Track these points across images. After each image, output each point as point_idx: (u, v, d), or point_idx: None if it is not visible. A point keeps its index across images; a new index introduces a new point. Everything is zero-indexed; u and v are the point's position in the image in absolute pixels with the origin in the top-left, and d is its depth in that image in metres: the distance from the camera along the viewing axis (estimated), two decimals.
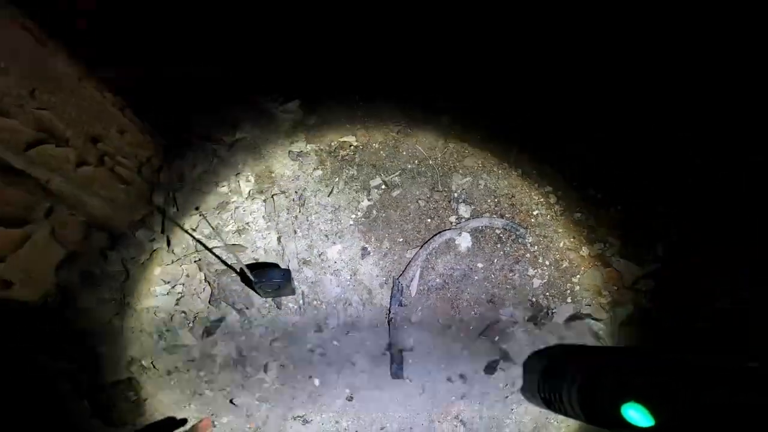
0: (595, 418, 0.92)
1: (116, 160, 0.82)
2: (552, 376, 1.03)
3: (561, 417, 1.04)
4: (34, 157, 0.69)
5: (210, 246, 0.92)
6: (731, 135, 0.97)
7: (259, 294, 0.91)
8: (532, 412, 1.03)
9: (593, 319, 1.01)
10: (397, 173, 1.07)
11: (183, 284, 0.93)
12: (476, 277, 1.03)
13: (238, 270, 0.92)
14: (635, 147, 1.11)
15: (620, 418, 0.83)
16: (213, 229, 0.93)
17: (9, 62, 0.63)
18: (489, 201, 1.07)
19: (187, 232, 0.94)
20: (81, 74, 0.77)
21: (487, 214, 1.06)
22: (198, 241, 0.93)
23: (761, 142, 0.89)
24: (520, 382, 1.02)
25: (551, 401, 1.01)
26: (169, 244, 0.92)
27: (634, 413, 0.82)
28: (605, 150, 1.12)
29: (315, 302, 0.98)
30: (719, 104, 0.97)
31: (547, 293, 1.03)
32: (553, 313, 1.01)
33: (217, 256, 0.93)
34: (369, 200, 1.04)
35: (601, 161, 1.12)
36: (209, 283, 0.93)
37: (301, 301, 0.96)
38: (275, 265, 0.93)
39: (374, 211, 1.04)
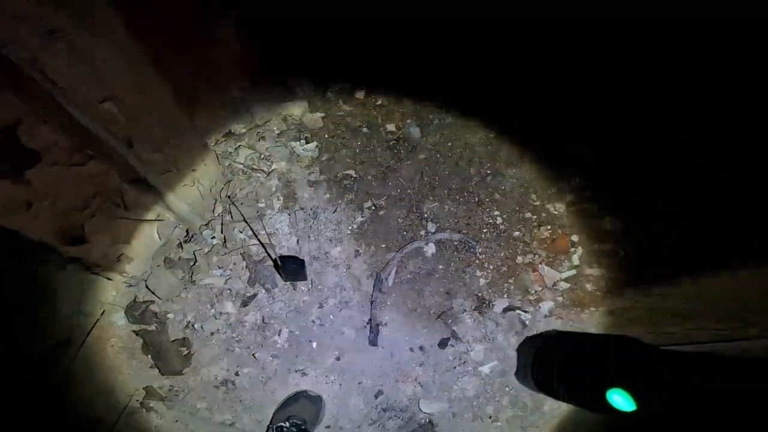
0: (582, 402, 1.01)
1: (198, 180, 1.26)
2: (543, 362, 1.13)
3: (497, 387, 1.36)
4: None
5: (253, 243, 1.35)
6: (731, 135, 0.94)
7: (281, 278, 1.32)
8: (474, 382, 1.35)
9: (522, 311, 1.35)
10: (384, 198, 1.48)
11: (230, 269, 1.35)
12: (437, 275, 1.40)
13: (272, 260, 1.33)
14: (626, 152, 1.19)
15: (605, 402, 0.89)
16: (253, 231, 1.35)
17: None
18: (450, 220, 1.46)
19: (247, 230, 1.37)
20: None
21: (449, 231, 1.44)
22: (256, 236, 1.36)
23: (761, 142, 0.88)
24: (465, 357, 1.36)
25: (542, 384, 1.12)
26: (224, 241, 1.35)
27: (618, 398, 0.87)
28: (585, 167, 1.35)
29: (319, 287, 1.37)
30: (719, 104, 0.95)
31: (489, 290, 1.38)
32: (493, 304, 1.36)
33: (264, 248, 1.35)
34: (362, 217, 1.45)
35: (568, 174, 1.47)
36: (248, 269, 1.34)
37: (309, 285, 1.36)
38: (294, 258, 1.34)
39: (365, 225, 1.45)
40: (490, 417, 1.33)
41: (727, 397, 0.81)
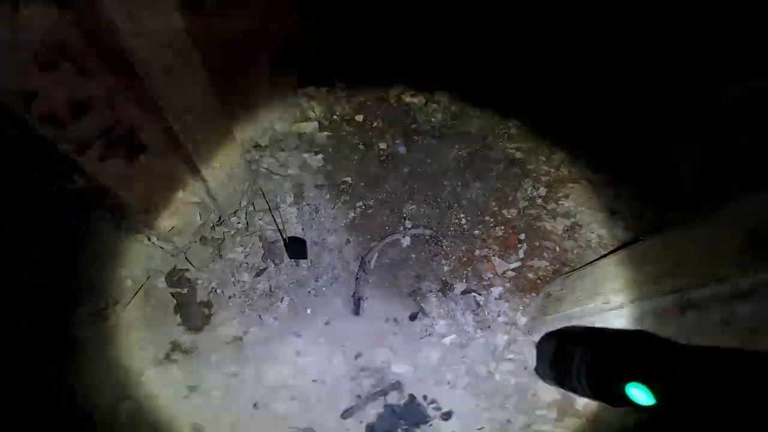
0: (601, 397, 1.01)
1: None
2: (562, 359, 1.16)
3: (456, 357, 1.63)
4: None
5: (269, 228, 1.74)
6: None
7: (288, 255, 1.69)
8: (436, 351, 1.64)
9: (476, 293, 1.67)
10: (372, 200, 1.86)
11: (249, 248, 1.74)
12: (410, 262, 1.74)
13: (283, 240, 1.71)
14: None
15: (625, 396, 0.89)
16: (273, 218, 1.75)
17: None
18: (424, 220, 1.82)
19: (272, 217, 1.76)
20: None
21: (422, 227, 1.80)
22: (274, 220, 1.75)
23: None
24: (431, 329, 1.66)
25: (562, 380, 1.15)
26: (247, 226, 1.75)
27: (637, 392, 0.87)
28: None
29: (316, 265, 1.73)
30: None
31: (452, 275, 1.71)
32: (454, 287, 1.68)
33: (279, 231, 1.74)
34: (354, 214, 1.83)
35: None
36: (263, 248, 1.73)
37: (309, 264, 1.73)
38: (299, 240, 1.71)
39: (356, 220, 1.82)
40: (449, 383, 1.61)
41: (746, 391, 0.77)
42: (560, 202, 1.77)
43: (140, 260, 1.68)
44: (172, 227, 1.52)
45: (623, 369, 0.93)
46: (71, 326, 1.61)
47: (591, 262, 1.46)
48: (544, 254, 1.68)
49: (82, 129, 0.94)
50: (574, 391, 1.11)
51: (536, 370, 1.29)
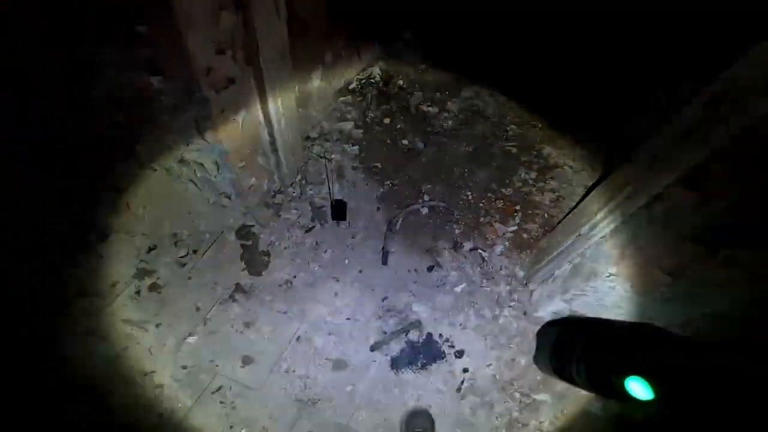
0: (601, 390, 1.01)
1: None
2: (562, 349, 1.16)
3: (465, 302, 1.97)
4: None
5: (318, 195, 2.22)
6: None
7: (332, 216, 2.14)
8: (449, 297, 1.99)
9: (481, 250, 2.06)
10: (397, 180, 2.34)
11: (302, 211, 2.20)
12: (428, 226, 2.16)
13: (331, 203, 2.17)
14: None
15: (624, 390, 0.87)
16: (329, 185, 2.23)
17: None
18: (439, 196, 2.27)
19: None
20: None
21: (437, 200, 2.25)
22: (330, 187, 2.23)
23: None
24: (445, 279, 2.03)
25: (562, 372, 1.15)
26: (300, 194, 2.23)
27: (636, 386, 0.85)
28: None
29: (353, 226, 2.17)
30: None
31: (461, 236, 2.12)
32: (463, 245, 2.08)
33: (329, 195, 2.21)
34: (383, 189, 2.30)
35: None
36: (312, 211, 2.19)
37: (347, 224, 2.17)
38: (342, 203, 2.18)
39: (385, 195, 2.28)
40: (461, 324, 1.95)
41: (750, 388, 0.75)
42: (548, 182, 2.22)
43: (218, 218, 2.16)
44: (251, 186, 2.00)
45: (623, 362, 0.90)
46: (156, 271, 2.04)
47: (565, 216, 1.87)
48: (536, 220, 2.09)
49: (228, 94, 1.48)
50: (572, 382, 1.09)
51: (535, 359, 1.25)
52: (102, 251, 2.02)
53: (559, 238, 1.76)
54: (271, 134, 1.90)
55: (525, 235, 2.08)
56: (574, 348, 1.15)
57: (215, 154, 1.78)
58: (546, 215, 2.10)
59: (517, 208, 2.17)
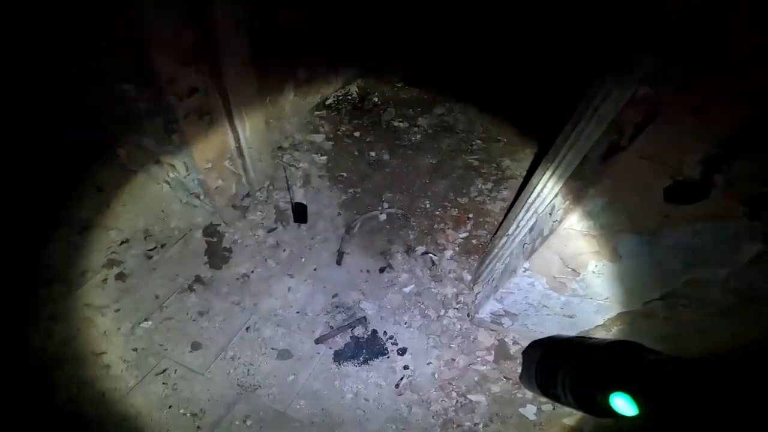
0: (587, 407, 1.00)
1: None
2: (546, 368, 1.16)
3: (412, 302, 2.02)
4: None
5: (282, 200, 2.36)
6: None
7: (293, 219, 2.27)
8: (398, 297, 2.06)
9: (432, 254, 2.13)
10: (359, 189, 2.47)
11: (266, 213, 2.34)
12: (384, 231, 2.26)
13: (292, 206, 2.31)
14: None
15: (609, 407, 0.87)
16: (289, 193, 2.38)
17: None
18: (397, 204, 2.39)
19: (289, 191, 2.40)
20: None
21: (395, 208, 2.36)
22: (290, 189, 2.38)
23: None
24: (395, 281, 2.10)
25: (546, 390, 1.15)
26: (267, 198, 2.38)
27: (620, 402, 0.85)
28: None
29: (313, 228, 2.29)
30: None
31: (414, 241, 2.20)
32: (415, 250, 2.16)
33: (290, 201, 2.36)
34: (346, 197, 2.43)
35: None
36: (275, 214, 2.33)
37: (307, 227, 2.29)
38: (303, 206, 2.31)
39: (347, 201, 2.41)
40: (406, 323, 2.00)
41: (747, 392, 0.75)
42: (501, 191, 2.31)
43: (187, 216, 2.31)
44: (217, 187, 2.17)
45: (606, 378, 0.91)
46: (124, 262, 2.18)
47: (503, 219, 1.95)
48: (485, 227, 2.17)
49: (191, 102, 1.68)
50: (557, 400, 1.10)
51: (520, 377, 1.27)
52: (79, 243, 2.19)
53: (496, 242, 1.84)
54: (237, 141, 2.08)
55: (474, 241, 2.16)
56: (558, 366, 1.15)
57: (183, 155, 1.97)
58: (495, 222, 2.18)
59: (470, 216, 2.26)
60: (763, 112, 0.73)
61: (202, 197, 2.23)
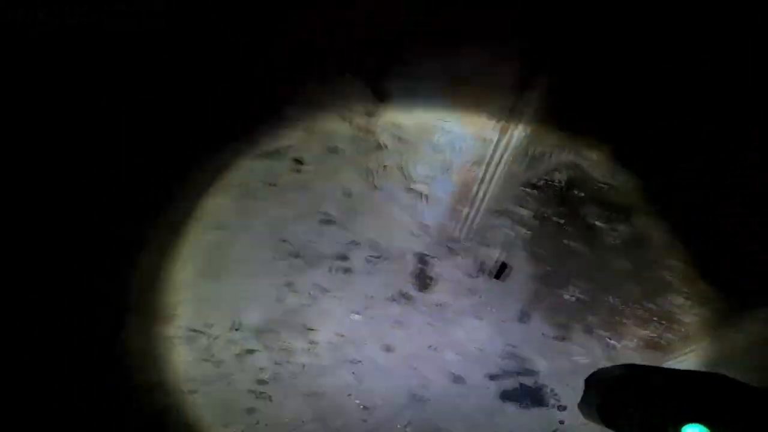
0: None
1: None
2: (611, 394, 1.10)
3: (586, 374, 2.25)
4: None
5: (490, 254, 2.94)
6: None
7: (495, 274, 2.81)
8: (574, 364, 2.34)
9: (612, 340, 2.38)
10: (551, 269, 2.86)
11: (470, 261, 2.93)
12: (568, 309, 2.56)
13: (496, 262, 2.87)
14: None
15: None
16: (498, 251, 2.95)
17: None
18: (587, 292, 2.68)
19: None
20: None
21: (583, 294, 2.66)
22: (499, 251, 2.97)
23: None
24: (573, 351, 2.39)
25: (609, 418, 1.08)
26: (471, 248, 3.00)
27: None
28: None
29: (507, 286, 2.77)
30: None
31: (596, 326, 2.47)
32: (595, 331, 2.43)
33: (497, 260, 2.94)
34: (538, 270, 2.85)
35: None
36: (479, 263, 2.92)
37: (502, 283, 2.80)
38: (504, 264, 2.83)
39: (539, 275, 2.80)
40: (572, 387, 2.28)
41: None
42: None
43: (408, 241, 3.05)
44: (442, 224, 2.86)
45: (681, 409, 0.87)
46: (350, 259, 2.99)
47: None
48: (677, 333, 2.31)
49: None
50: (620, 430, 1.06)
51: (580, 405, 1.30)
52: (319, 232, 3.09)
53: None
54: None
55: (662, 342, 2.32)
56: (625, 393, 1.09)
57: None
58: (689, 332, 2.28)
59: (656, 318, 2.43)
60: None
61: (426, 230, 2.94)
